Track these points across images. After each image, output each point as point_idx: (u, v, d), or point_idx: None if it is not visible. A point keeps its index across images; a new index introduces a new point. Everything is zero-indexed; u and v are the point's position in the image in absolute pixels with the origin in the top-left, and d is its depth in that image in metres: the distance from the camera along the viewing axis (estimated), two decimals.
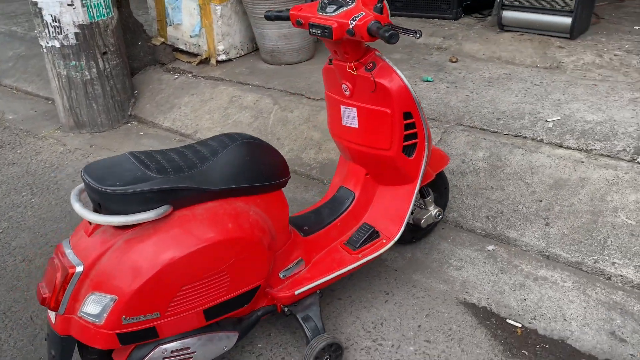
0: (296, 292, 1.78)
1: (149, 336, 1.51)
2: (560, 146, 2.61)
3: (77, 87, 3.52)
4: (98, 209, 1.50)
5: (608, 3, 4.74)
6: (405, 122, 1.86)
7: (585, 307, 1.99)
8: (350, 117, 1.95)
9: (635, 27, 4.02)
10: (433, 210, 2.20)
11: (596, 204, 2.30)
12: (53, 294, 1.48)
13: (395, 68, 1.83)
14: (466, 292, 2.10)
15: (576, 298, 2.03)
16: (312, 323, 1.80)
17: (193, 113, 3.62)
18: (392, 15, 4.57)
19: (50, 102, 4.17)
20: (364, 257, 1.92)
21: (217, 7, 3.87)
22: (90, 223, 1.55)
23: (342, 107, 1.97)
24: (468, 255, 2.28)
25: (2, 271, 2.37)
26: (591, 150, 2.54)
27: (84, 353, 1.63)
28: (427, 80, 3.45)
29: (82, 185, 1.59)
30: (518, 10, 3.91)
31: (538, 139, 2.68)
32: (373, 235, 1.98)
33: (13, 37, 5.18)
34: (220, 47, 4.03)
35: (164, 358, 1.57)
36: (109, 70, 3.56)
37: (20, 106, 4.22)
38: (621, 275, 2.08)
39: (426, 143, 1.94)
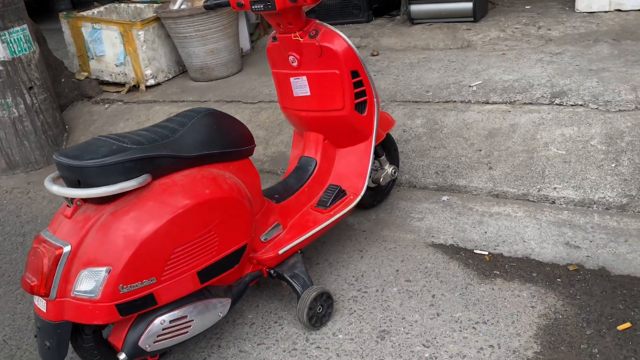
0: (280, 252, 1.84)
1: (148, 304, 1.51)
2: (487, 102, 2.86)
3: (6, 125, 3.41)
4: (78, 186, 1.50)
5: None
6: (353, 80, 2.00)
7: (539, 229, 2.18)
8: (301, 87, 2.07)
9: (527, 7, 4.46)
10: (389, 169, 2.34)
11: (528, 143, 2.54)
12: (42, 280, 1.46)
13: (337, 31, 1.98)
14: (432, 237, 2.24)
15: (529, 223, 2.22)
16: (301, 279, 1.86)
17: None
18: None
19: None
20: (336, 213, 2.02)
21: (140, 32, 3.91)
22: (69, 206, 1.55)
23: (291, 79, 2.08)
24: (426, 208, 2.43)
25: None
26: (514, 101, 2.81)
27: (78, 342, 1.60)
28: None
29: (54, 173, 1.59)
30: (424, 3, 4.25)
31: (466, 101, 2.92)
32: (340, 193, 2.08)
33: None
34: (148, 72, 4.06)
35: (163, 329, 1.58)
36: (37, 104, 3.49)
37: None
38: (563, 197, 2.30)
39: (375, 100, 2.09)
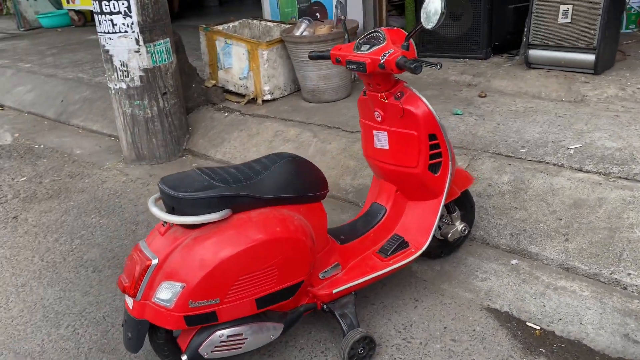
0: (334, 291, 2.03)
1: (210, 319, 1.78)
2: (580, 170, 2.80)
3: (140, 123, 3.94)
4: (172, 212, 1.81)
5: (636, 41, 4.93)
6: (430, 142, 2.13)
7: (601, 313, 2.15)
8: (381, 140, 2.23)
9: None
10: (459, 226, 2.43)
11: (613, 221, 2.48)
12: (132, 283, 1.78)
13: (420, 96, 2.12)
14: (490, 300, 2.30)
15: (593, 305, 2.20)
16: (349, 319, 2.04)
17: (242, 146, 3.98)
18: (424, 56, 4.89)
19: (112, 138, 4.63)
20: (394, 263, 2.16)
21: (264, 52, 4.28)
22: (163, 225, 1.86)
23: (374, 131, 2.25)
24: (493, 268, 2.48)
25: (76, 280, 2.71)
26: (609, 173, 2.73)
27: (153, 337, 1.92)
28: (457, 114, 3.71)
29: (157, 194, 1.92)
30: (544, 49, 4.17)
31: (559, 164, 2.89)
32: (403, 244, 2.22)
33: (80, 83, 5.75)
34: (266, 88, 4.43)
35: (221, 341, 1.84)
36: (167, 108, 3.98)
37: (86, 143, 4.69)
38: (636, 285, 2.24)
39: (450, 162, 2.19)
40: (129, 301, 1.84)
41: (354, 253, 2.20)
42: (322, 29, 4.23)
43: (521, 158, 3.01)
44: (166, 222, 1.85)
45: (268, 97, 4.46)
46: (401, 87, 2.14)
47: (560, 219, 2.59)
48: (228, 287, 1.77)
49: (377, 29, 2.14)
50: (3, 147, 4.69)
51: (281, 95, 4.56)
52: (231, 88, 4.70)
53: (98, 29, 3.79)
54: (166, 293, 1.76)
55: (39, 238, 3.13)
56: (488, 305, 2.27)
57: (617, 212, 2.51)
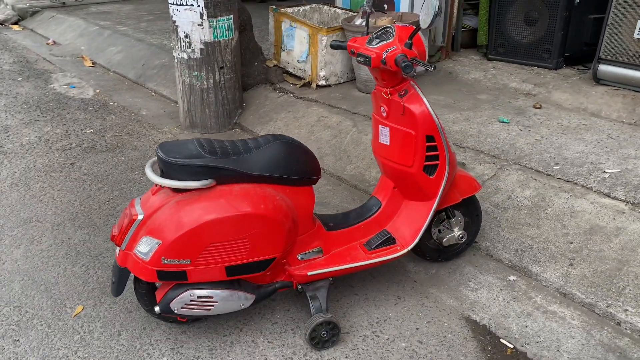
0: (309, 273, 2.10)
1: (180, 278, 1.92)
2: (608, 196, 2.65)
3: (196, 93, 4.18)
4: (162, 175, 1.96)
5: None
6: (427, 144, 2.12)
7: (583, 345, 2.06)
8: (384, 135, 2.25)
9: None
10: (457, 232, 2.39)
11: (626, 253, 2.33)
12: (119, 233, 1.96)
13: (423, 97, 2.11)
14: (472, 310, 2.26)
15: (578, 335, 2.10)
16: (317, 302, 2.10)
17: (285, 127, 4.11)
18: (493, 60, 4.74)
19: (176, 104, 4.92)
20: (376, 257, 2.19)
21: (324, 38, 4.36)
22: (156, 185, 2.02)
23: (380, 126, 2.27)
24: (488, 281, 2.43)
25: (104, 226, 2.97)
26: (638, 203, 2.56)
27: (136, 287, 2.10)
28: (503, 121, 3.59)
29: (155, 158, 2.08)
30: (615, 65, 3.90)
31: (588, 186, 2.74)
32: (389, 240, 2.24)
33: (162, 49, 6.14)
34: (322, 74, 4.51)
35: (191, 300, 1.98)
36: (223, 82, 4.18)
37: (154, 105, 5.02)
38: (630, 323, 2.11)
39: (447, 166, 2.17)
40: (117, 250, 2.03)
41: (339, 241, 2.25)
42: (383, 21, 4.23)
43: (550, 175, 2.88)
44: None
45: (323, 82, 4.54)
46: (407, 85, 2.14)
47: (571, 243, 2.47)
48: (199, 251, 1.89)
49: (390, 25, 2.15)
50: (83, 101, 5.13)
51: (336, 82, 4.62)
52: (290, 70, 4.83)
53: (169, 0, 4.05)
54: (145, 247, 1.91)
55: (85, 185, 3.45)
56: (469, 315, 2.24)
57: (632, 244, 2.36)
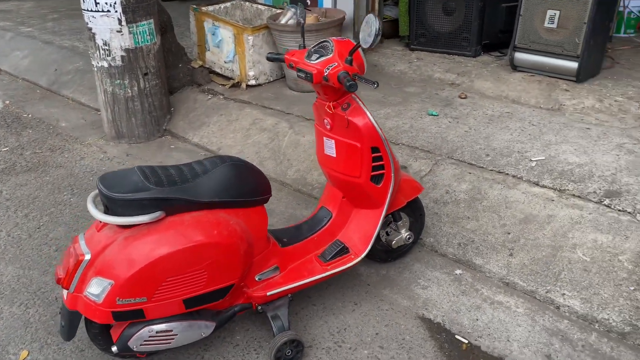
0: (268, 294, 2.10)
1: (137, 316, 1.86)
2: (537, 184, 2.83)
3: (120, 102, 3.99)
4: (107, 210, 1.87)
5: (631, 47, 4.87)
6: (373, 155, 2.16)
7: (529, 331, 2.21)
8: (330, 147, 2.27)
9: None
10: (404, 234, 2.47)
11: (558, 239, 2.51)
12: (66, 275, 1.86)
13: (365, 110, 2.14)
14: (425, 309, 2.36)
15: (524, 322, 2.25)
16: (280, 322, 2.11)
17: (219, 131, 4.02)
18: (415, 50, 4.85)
19: (98, 113, 4.67)
20: (332, 269, 2.22)
21: (250, 37, 4.28)
22: (100, 221, 1.92)
23: (324, 138, 2.29)
24: (436, 277, 2.53)
25: (38, 258, 2.80)
26: (564, 190, 2.75)
27: (89, 327, 2.00)
28: (432, 114, 3.72)
29: (95, 192, 1.98)
30: (529, 53, 4.13)
31: (518, 176, 2.91)
32: (343, 250, 2.27)
33: (74, 53, 5.79)
34: (251, 73, 4.44)
35: (150, 336, 1.92)
36: (148, 89, 4.02)
37: (73, 115, 4.75)
38: (568, 306, 2.28)
39: (392, 174, 2.23)
40: (64, 292, 1.92)
41: (294, 256, 2.25)
42: (309, 19, 4.22)
43: (482, 167, 3.03)
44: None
45: (252, 82, 4.48)
46: (348, 99, 2.16)
47: (509, 233, 2.62)
48: (155, 287, 1.84)
49: (327, 39, 2.16)
50: None
51: (266, 81, 4.57)
52: (217, 70, 4.72)
53: (82, 6, 3.81)
54: (96, 288, 1.83)
55: (9, 212, 3.22)
56: (423, 314, 2.33)
57: (563, 230, 2.54)
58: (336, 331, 2.26)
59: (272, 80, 4.61)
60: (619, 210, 2.56)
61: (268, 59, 2.39)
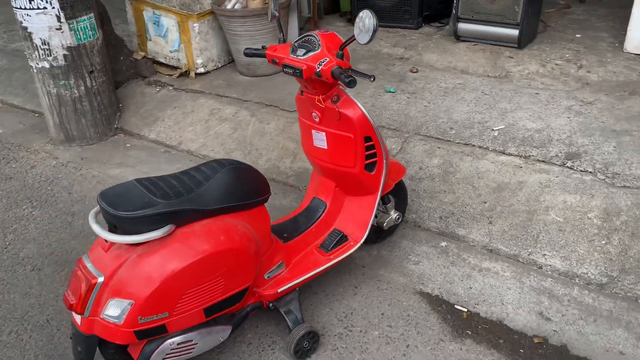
0: (279, 290, 2.13)
1: (160, 332, 1.84)
2: (503, 153, 3.00)
3: (67, 104, 3.78)
4: (114, 229, 1.82)
5: (556, 10, 5.16)
6: (366, 144, 2.22)
7: (520, 293, 2.39)
8: (320, 140, 2.30)
9: (577, 36, 4.45)
10: (393, 215, 2.57)
11: (531, 204, 2.71)
12: (79, 300, 1.80)
13: (355, 100, 2.18)
14: (422, 283, 2.49)
15: (513, 285, 2.43)
16: (293, 315, 2.16)
17: (176, 125, 3.92)
18: None
19: (37, 115, 4.40)
20: (335, 258, 2.29)
21: (195, 25, 4.16)
22: (106, 241, 1.87)
23: (313, 131, 2.31)
24: (424, 251, 2.66)
25: (14, 280, 2.66)
26: (529, 156, 2.95)
27: (103, 349, 1.96)
28: (390, 92, 3.81)
29: (97, 208, 1.91)
30: (471, 23, 4.30)
31: (485, 146, 3.07)
32: (342, 239, 2.34)
33: None
34: (199, 61, 4.32)
35: (171, 349, 1.91)
36: (96, 87, 3.82)
37: (8, 120, 4.43)
38: (550, 265, 2.49)
39: (384, 161, 2.30)
40: (77, 317, 1.86)
41: (297, 250, 2.29)
42: (254, 2, 4.15)
43: (450, 141, 3.17)
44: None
45: (201, 70, 4.37)
46: (337, 91, 2.19)
47: (485, 202, 2.79)
48: (176, 301, 1.82)
49: (311, 33, 2.16)
50: None
51: (215, 68, 4.47)
52: (162, 60, 4.56)
53: (13, 4, 3.53)
54: (115, 310, 1.79)
55: None
56: (420, 289, 2.46)
57: (535, 194, 2.73)
58: (343, 316, 2.34)
59: (220, 66, 4.52)
60: (582, 171, 2.78)
61: (246, 54, 2.36)
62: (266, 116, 3.70)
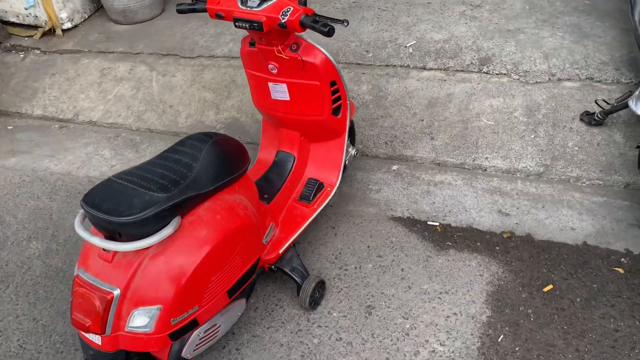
0: (280, 251, 2.13)
1: (192, 327, 1.77)
2: (424, 68, 3.15)
3: None
4: (118, 237, 1.64)
5: None
6: (331, 88, 2.19)
7: (476, 197, 2.65)
8: (280, 92, 2.22)
9: None
10: (352, 151, 2.61)
11: (463, 113, 2.93)
12: (96, 320, 1.64)
13: (316, 45, 2.12)
14: (391, 209, 2.63)
15: (467, 191, 2.68)
16: (298, 271, 2.18)
17: (64, 95, 3.46)
18: None
19: None
20: (319, 206, 2.31)
21: None
22: (105, 250, 1.69)
23: (270, 84, 2.21)
24: (381, 178, 2.79)
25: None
26: (448, 68, 3.13)
27: (126, 358, 1.83)
28: None
29: (81, 213, 1.70)
30: None
31: (405, 65, 3.19)
32: (320, 187, 2.35)
33: None
34: (64, 15, 3.78)
35: (200, 339, 1.85)
36: None
37: None
38: (493, 166, 2.76)
39: (348, 102, 2.30)
40: (94, 337, 1.71)
41: (280, 206, 2.27)
42: None
43: (371, 65, 3.23)
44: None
45: (68, 25, 3.84)
46: (294, 38, 2.10)
47: (422, 120, 2.95)
48: (203, 292, 1.75)
49: None
50: None
51: (82, 20, 3.95)
52: (13, 20, 3.89)
53: None
54: (142, 319, 1.67)
55: None
56: (392, 215, 2.60)
57: (464, 104, 2.95)
58: (334, 258, 2.42)
59: (87, 16, 4.00)
60: (497, 74, 3.04)
61: (181, 11, 2.12)
62: (168, 68, 3.41)
